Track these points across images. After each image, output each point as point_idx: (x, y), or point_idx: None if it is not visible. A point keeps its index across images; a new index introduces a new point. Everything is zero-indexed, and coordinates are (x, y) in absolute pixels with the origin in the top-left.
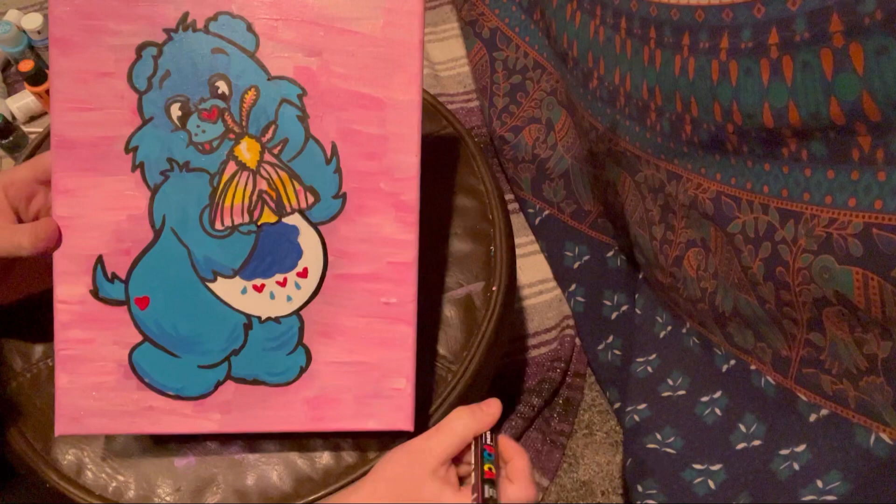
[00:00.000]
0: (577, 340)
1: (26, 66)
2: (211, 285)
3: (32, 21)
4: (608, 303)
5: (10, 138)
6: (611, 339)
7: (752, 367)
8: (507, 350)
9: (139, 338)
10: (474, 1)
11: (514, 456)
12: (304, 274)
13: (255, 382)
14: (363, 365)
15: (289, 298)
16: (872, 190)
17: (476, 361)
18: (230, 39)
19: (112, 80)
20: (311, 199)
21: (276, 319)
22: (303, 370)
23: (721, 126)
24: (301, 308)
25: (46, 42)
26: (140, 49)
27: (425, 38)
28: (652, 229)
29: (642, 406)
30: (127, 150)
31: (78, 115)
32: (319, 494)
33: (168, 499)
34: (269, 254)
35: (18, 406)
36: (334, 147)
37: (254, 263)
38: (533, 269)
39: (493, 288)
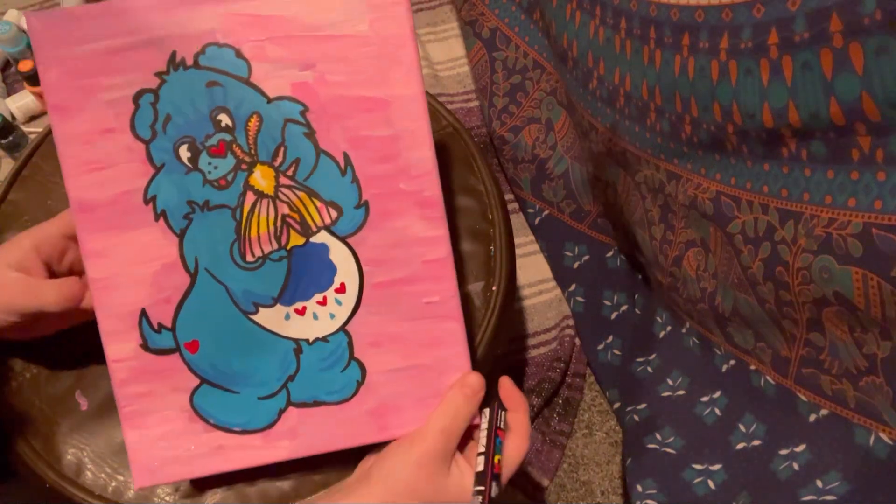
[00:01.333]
0: (577, 340)
1: (26, 65)
2: (254, 317)
3: None
4: (608, 303)
5: (10, 138)
6: (611, 339)
7: (752, 367)
8: (506, 350)
9: (196, 381)
10: (474, 1)
11: (515, 407)
12: (342, 289)
13: (316, 404)
14: (418, 367)
15: (332, 316)
16: (872, 190)
17: (475, 361)
18: (222, 70)
19: (116, 135)
20: (334, 213)
21: (324, 339)
22: (360, 384)
23: (721, 126)
24: (346, 323)
25: None
26: (136, 98)
27: (425, 38)
28: (651, 229)
29: (642, 406)
30: (146, 202)
31: (91, 176)
32: (319, 494)
33: (168, 499)
34: (304, 276)
35: (18, 406)
36: (346, 157)
37: (291, 288)
38: (533, 268)
39: (493, 288)
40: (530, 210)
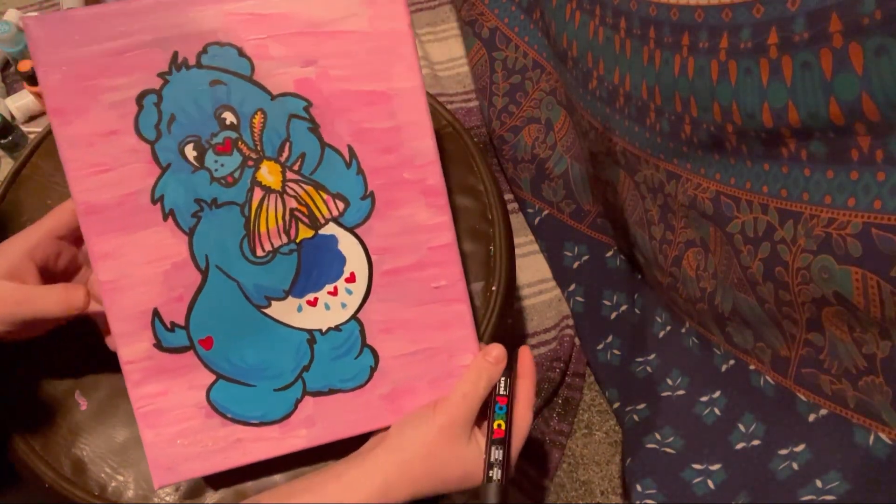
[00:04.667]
0: (577, 340)
1: (26, 65)
2: (267, 311)
3: None
4: (607, 303)
5: (10, 138)
6: (610, 338)
7: (752, 367)
8: None
9: (212, 377)
10: (474, 1)
11: (525, 374)
12: (352, 279)
13: (331, 392)
14: (429, 350)
15: (343, 305)
16: (872, 190)
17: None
18: (225, 69)
19: (120, 136)
20: (341, 205)
21: (337, 328)
22: (373, 370)
23: (720, 126)
24: (357, 311)
25: None
26: (140, 99)
27: (425, 38)
28: (651, 229)
29: (642, 406)
30: (154, 202)
31: (96, 178)
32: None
33: (167, 499)
34: (315, 267)
35: (18, 406)
36: (351, 150)
37: (302, 280)
38: (532, 268)
39: (493, 288)
40: (530, 210)
